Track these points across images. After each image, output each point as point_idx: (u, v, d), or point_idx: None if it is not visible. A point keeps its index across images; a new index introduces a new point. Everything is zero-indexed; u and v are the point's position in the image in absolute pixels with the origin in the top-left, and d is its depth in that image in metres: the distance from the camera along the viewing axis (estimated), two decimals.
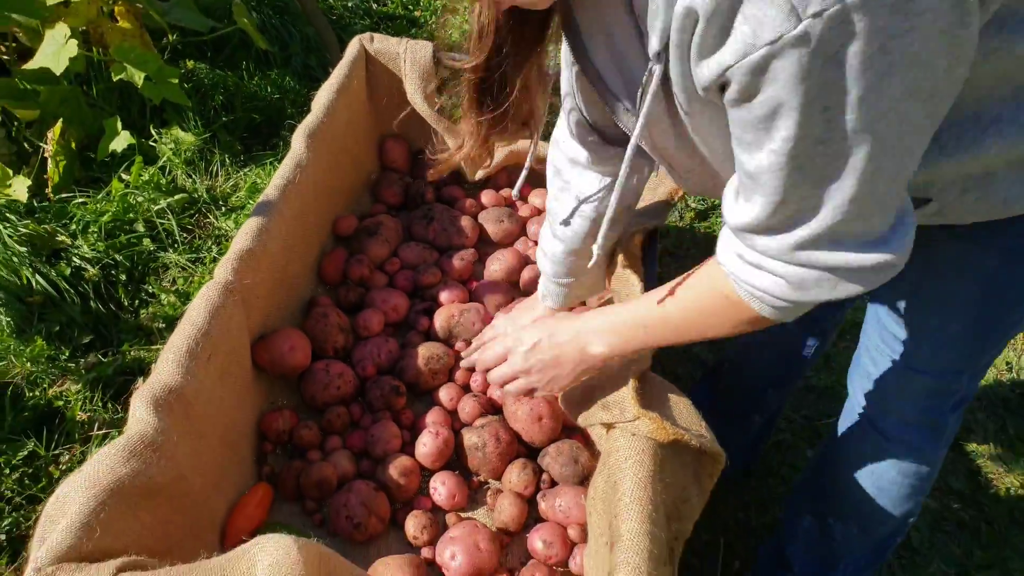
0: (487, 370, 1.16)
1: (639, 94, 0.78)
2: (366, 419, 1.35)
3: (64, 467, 1.65)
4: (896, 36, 0.55)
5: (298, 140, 1.48)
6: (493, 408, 1.37)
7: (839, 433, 1.28)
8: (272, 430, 1.31)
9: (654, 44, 0.69)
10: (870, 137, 0.62)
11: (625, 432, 1.04)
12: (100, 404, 1.75)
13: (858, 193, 0.66)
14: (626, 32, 0.81)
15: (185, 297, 1.99)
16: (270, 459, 1.31)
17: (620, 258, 1.25)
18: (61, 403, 1.76)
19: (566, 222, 1.21)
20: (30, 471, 1.62)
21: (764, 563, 1.44)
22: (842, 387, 1.88)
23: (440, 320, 1.48)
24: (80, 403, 1.74)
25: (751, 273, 0.80)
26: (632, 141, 0.85)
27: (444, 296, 1.54)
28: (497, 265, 1.58)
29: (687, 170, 0.93)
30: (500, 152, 1.73)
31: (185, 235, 2.14)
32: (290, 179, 1.40)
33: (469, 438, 1.28)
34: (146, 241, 2.10)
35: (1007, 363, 2.02)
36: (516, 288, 1.58)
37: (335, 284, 1.58)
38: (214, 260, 2.08)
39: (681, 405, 1.09)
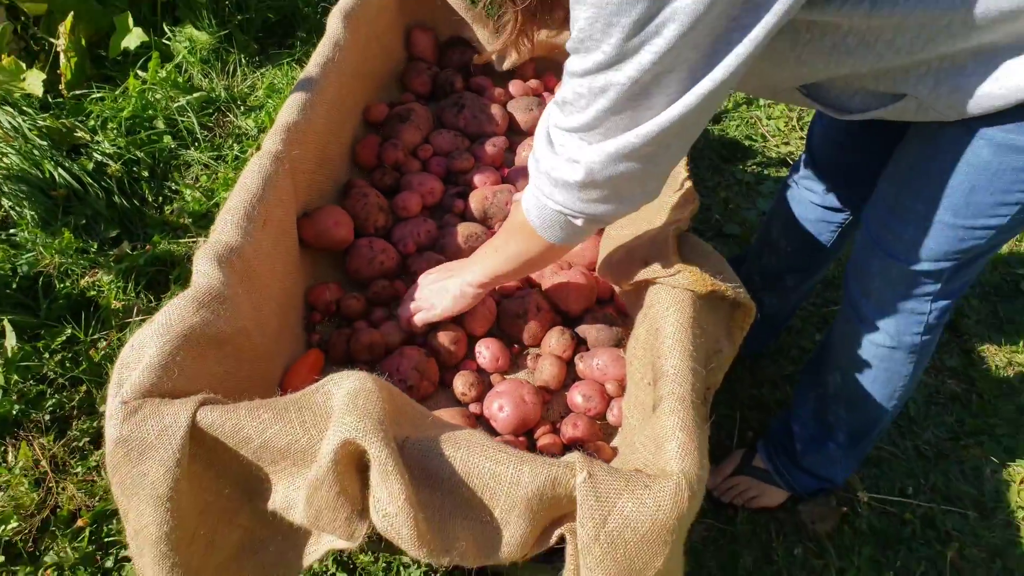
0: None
1: None
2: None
3: (103, 352, 1.68)
4: None
5: (334, 20, 1.48)
6: (530, 283, 1.41)
7: (836, 317, 1.35)
8: (321, 301, 1.35)
9: None
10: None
11: (666, 285, 1.09)
12: (134, 294, 1.78)
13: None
14: None
15: (210, 193, 2.00)
16: (319, 328, 1.35)
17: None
18: (94, 292, 1.78)
19: None
20: (70, 355, 1.66)
21: (774, 433, 1.52)
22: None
23: (475, 202, 1.51)
24: (114, 292, 1.77)
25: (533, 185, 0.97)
26: None
27: (477, 179, 1.57)
28: (527, 151, 1.61)
29: None
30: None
31: (206, 133, 2.14)
32: (329, 58, 1.41)
33: (510, 307, 1.33)
34: (167, 138, 2.10)
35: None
36: None
37: (369, 168, 1.60)
38: (236, 158, 2.09)
39: (716, 260, 1.13)
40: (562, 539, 0.92)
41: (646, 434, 0.98)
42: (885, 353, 1.23)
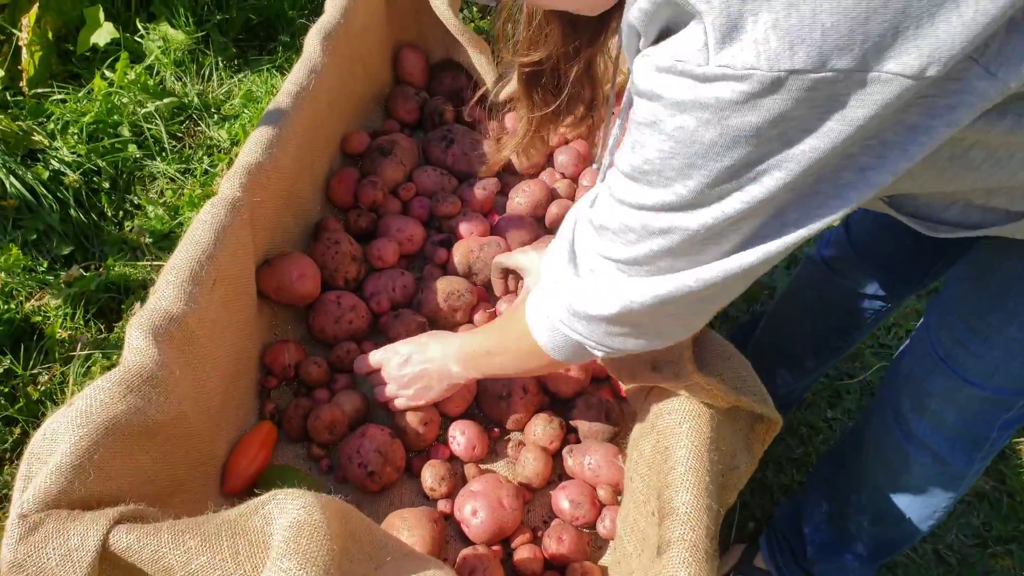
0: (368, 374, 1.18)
1: None
2: None
3: (43, 388, 1.53)
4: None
5: (312, 42, 1.32)
6: None
7: (868, 419, 1.18)
8: (277, 364, 1.20)
9: None
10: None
11: (678, 394, 0.95)
12: (82, 321, 1.63)
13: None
14: None
15: (174, 211, 1.84)
16: (273, 395, 1.20)
17: None
18: (39, 318, 1.63)
19: None
20: (6, 390, 1.50)
21: (778, 528, 1.38)
22: (867, 347, 1.82)
23: (459, 255, 1.36)
24: (60, 320, 1.61)
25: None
26: None
27: (463, 228, 1.42)
28: (521, 197, 1.46)
29: None
30: None
31: (174, 143, 1.98)
32: (304, 86, 1.26)
33: (492, 386, 1.18)
34: (131, 147, 1.93)
35: None
36: (541, 224, 1.46)
37: (344, 207, 1.45)
38: (205, 172, 1.93)
39: (738, 363, 0.99)
40: None
41: None
42: (932, 474, 1.07)
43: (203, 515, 0.81)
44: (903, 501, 1.14)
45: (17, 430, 1.47)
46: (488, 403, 1.19)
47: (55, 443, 0.84)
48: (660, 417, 0.95)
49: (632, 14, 0.59)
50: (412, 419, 1.14)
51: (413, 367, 1.11)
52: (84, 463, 0.82)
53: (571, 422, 1.19)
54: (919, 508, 1.13)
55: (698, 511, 0.85)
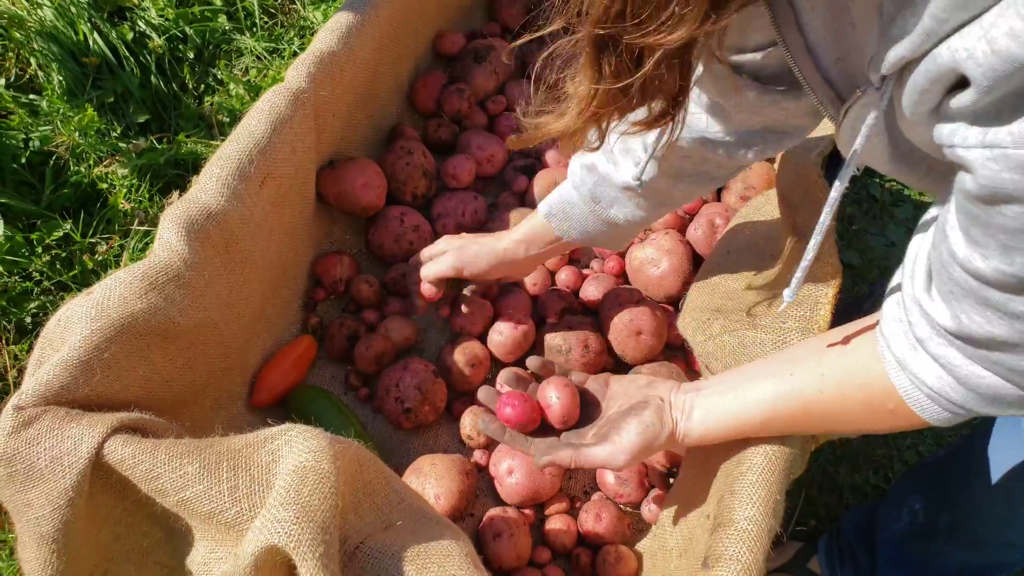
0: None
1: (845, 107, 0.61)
2: None
3: (100, 258, 1.49)
4: None
5: None
6: (585, 308, 1.14)
7: (988, 431, 1.01)
8: (328, 276, 1.11)
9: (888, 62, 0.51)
10: None
11: None
12: (146, 195, 1.57)
13: None
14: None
15: (256, 92, 1.75)
16: (319, 309, 1.12)
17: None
18: (105, 185, 1.58)
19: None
20: (63, 255, 1.47)
21: (845, 536, 1.23)
22: None
23: (540, 185, 1.22)
24: (125, 191, 1.56)
25: (920, 361, 0.62)
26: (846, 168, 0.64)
27: (550, 156, 1.27)
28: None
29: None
30: None
31: (266, 19, 1.87)
32: None
33: (553, 338, 1.06)
34: (222, 18, 1.83)
35: None
36: None
37: (425, 114, 1.32)
38: (294, 54, 1.82)
39: None
40: None
41: None
42: None
43: (208, 438, 0.73)
44: (1016, 534, 0.97)
45: (70, 296, 1.44)
46: (546, 355, 1.07)
47: (67, 332, 0.77)
48: None
49: (954, 58, 0.45)
50: (460, 357, 1.03)
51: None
52: (92, 360, 0.75)
53: None
54: None
55: (760, 530, 0.72)
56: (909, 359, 0.62)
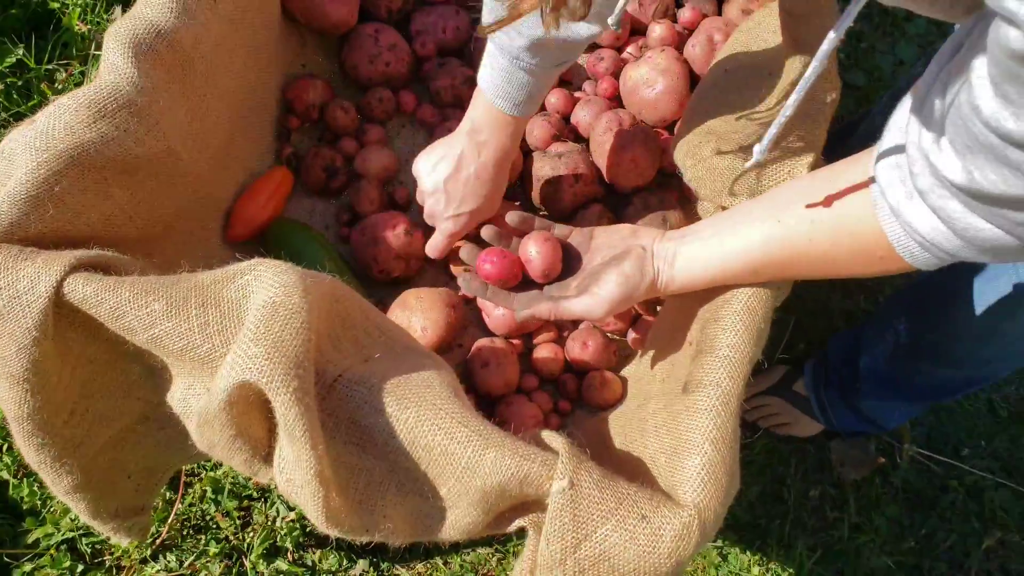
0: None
1: None
2: (424, 111, 1.06)
3: (60, 86, 1.40)
4: None
5: None
6: (575, 136, 1.07)
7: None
8: (300, 102, 1.03)
9: None
10: None
11: None
12: (103, 16, 1.45)
13: None
14: None
15: None
16: (293, 139, 1.05)
17: None
18: (57, 5, 1.45)
19: None
20: (19, 83, 1.38)
21: (830, 360, 1.24)
22: None
23: None
24: (79, 11, 1.44)
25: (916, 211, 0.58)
26: None
27: None
28: None
29: None
30: None
31: None
32: None
33: (540, 166, 1.00)
34: None
35: None
36: None
37: None
38: None
39: None
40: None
41: (665, 428, 0.73)
42: None
43: (174, 274, 0.69)
44: (992, 350, 0.98)
45: None
46: (531, 183, 1.02)
47: (12, 165, 0.72)
48: None
49: None
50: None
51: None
52: (42, 194, 0.70)
53: (623, 222, 1.02)
54: (1008, 359, 0.99)
55: (742, 358, 0.71)
56: (904, 208, 0.58)
